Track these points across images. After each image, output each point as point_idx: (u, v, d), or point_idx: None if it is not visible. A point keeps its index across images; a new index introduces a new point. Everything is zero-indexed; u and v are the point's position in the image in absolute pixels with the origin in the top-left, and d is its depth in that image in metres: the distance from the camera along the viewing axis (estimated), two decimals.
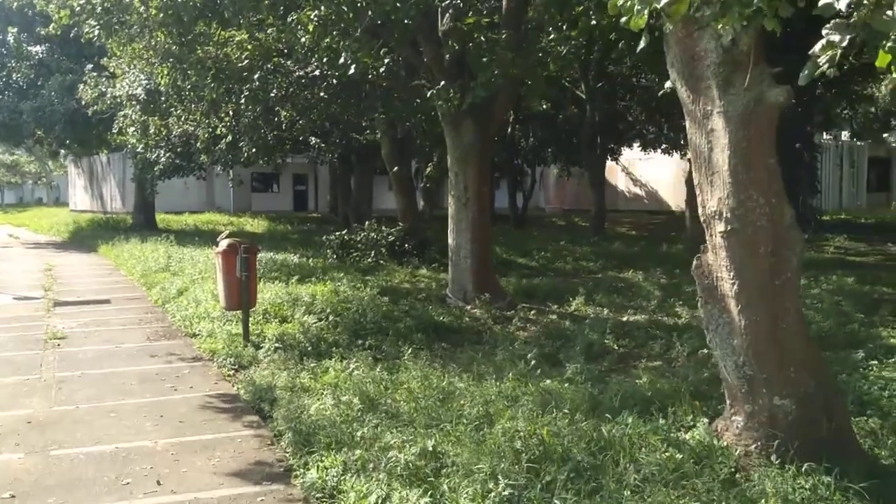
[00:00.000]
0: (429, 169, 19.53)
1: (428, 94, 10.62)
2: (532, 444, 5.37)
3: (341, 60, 10.08)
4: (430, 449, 5.37)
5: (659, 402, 6.57)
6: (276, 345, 9.47)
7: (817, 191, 30.17)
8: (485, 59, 10.25)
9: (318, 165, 44.05)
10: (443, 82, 10.59)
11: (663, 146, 37.67)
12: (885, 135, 40.92)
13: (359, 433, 5.90)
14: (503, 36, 10.74)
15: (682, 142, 37.63)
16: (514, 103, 16.96)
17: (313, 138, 27.46)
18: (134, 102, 16.53)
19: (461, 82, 10.89)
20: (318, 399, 7.04)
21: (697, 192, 5.55)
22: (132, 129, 17.18)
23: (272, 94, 14.41)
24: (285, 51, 13.86)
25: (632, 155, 40.31)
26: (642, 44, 4.63)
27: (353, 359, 8.95)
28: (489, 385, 7.38)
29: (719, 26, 4.80)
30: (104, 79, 19.14)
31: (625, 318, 11.88)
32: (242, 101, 13.23)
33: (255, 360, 9.15)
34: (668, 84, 6.86)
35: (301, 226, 33.71)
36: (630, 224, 34.89)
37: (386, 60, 10.83)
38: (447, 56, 11.47)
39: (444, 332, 10.81)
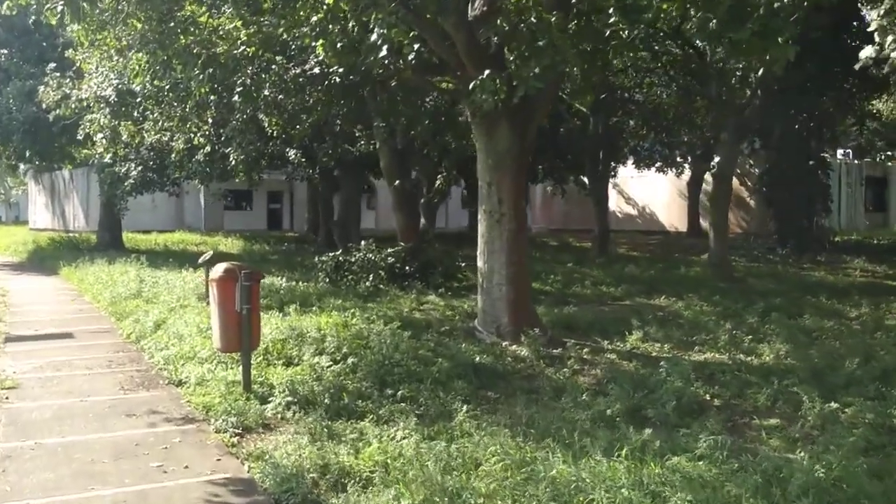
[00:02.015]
0: (438, 182, 17.57)
1: (471, 87, 8.65)
2: None
3: (373, 38, 8.08)
4: None
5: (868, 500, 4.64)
6: (288, 398, 7.42)
7: (830, 210, 28.73)
8: (541, 44, 8.32)
9: (293, 182, 41.97)
10: (487, 72, 8.64)
11: (657, 164, 36.25)
12: (881, 155, 39.85)
13: None
14: (553, 19, 8.83)
15: (678, 159, 36.27)
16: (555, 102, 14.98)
17: (293, 152, 25.48)
18: (103, 105, 14.37)
19: (508, 72, 8.95)
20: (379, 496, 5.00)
21: None
22: (100, 135, 14.98)
23: (266, 94, 12.36)
24: (277, 47, 11.89)
25: (623, 173, 38.86)
26: None
27: (391, 419, 6.99)
28: (599, 465, 5.40)
29: None
30: (68, 80, 16.95)
31: (695, 358, 10.00)
32: (235, 96, 11.13)
33: (262, 419, 7.08)
34: (864, 53, 5.01)
35: (279, 246, 31.55)
36: (627, 244, 33.08)
37: (416, 46, 8.86)
38: (495, 40, 9.53)
39: (487, 376, 8.81)
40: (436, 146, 16.58)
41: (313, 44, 10.68)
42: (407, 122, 15.11)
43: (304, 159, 27.60)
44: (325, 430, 6.53)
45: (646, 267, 22.08)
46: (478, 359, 9.24)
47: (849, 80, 25.79)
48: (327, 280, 16.93)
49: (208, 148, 18.62)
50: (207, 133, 17.33)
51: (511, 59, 9.17)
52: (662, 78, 26.08)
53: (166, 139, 17.26)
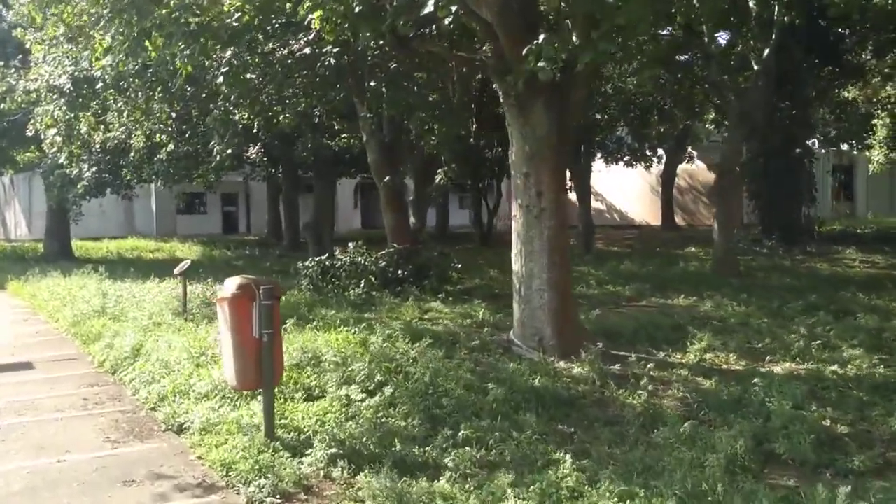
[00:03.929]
0: (439, 177, 16.01)
1: (524, 52, 7.13)
2: None
3: None
4: None
5: None
6: (331, 449, 5.82)
7: (816, 200, 27.92)
8: (611, 0, 6.84)
9: (249, 183, 39.98)
10: (542, 36, 7.14)
11: (626, 158, 35.19)
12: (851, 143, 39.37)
13: None
14: None
15: (647, 152, 35.22)
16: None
17: (253, 150, 23.65)
18: (56, 95, 12.49)
19: (564, 35, 7.46)
20: None
21: None
22: (53, 131, 13.07)
23: (252, 76, 10.71)
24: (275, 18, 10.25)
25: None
26: None
27: (468, 472, 5.47)
28: None
29: None
30: (13, 70, 14.96)
31: (775, 370, 8.66)
32: (220, 78, 9.43)
33: (301, 479, 5.48)
34: None
35: (240, 250, 29.62)
36: (603, 240, 31.93)
37: (453, 8, 7.32)
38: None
39: (551, 404, 7.32)
40: (435, 136, 14.96)
41: (310, 16, 9.07)
42: (402, 110, 13.48)
43: (265, 158, 25.85)
44: (397, 497, 4.96)
45: (640, 264, 20.84)
46: (535, 382, 7.75)
47: (825, 69, 25.01)
48: (311, 287, 15.29)
49: (171, 146, 16.83)
50: (170, 129, 15.58)
51: (567, 22, 7.65)
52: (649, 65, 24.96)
53: (124, 137, 15.43)
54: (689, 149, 36.57)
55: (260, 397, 6.75)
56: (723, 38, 25.32)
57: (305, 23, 9.80)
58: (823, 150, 39.97)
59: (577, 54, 7.13)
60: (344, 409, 6.88)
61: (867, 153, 36.22)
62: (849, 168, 42.45)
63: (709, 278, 17.23)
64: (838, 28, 23.97)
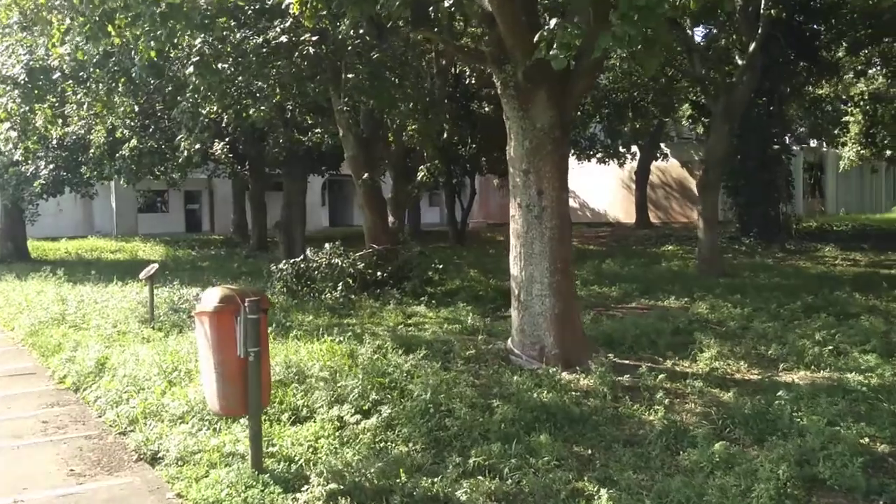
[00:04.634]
0: (420, 174, 15.30)
1: (535, 39, 6.48)
2: None
3: None
4: None
5: None
6: (331, 485, 5.12)
7: (793, 197, 27.74)
8: None
9: (212, 180, 38.87)
10: (553, 21, 6.50)
11: (599, 155, 34.78)
12: (812, 142, 39.39)
13: None
14: None
15: (620, 149, 34.80)
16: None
17: (218, 145, 22.77)
18: (10, 87, 11.58)
19: (578, 19, 6.82)
20: None
21: None
22: (7, 125, 12.15)
23: (225, 66, 9.94)
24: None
25: None
26: None
27: None
28: None
29: None
30: None
31: (794, 379, 8.12)
32: (190, 68, 8.66)
33: None
34: None
35: (205, 250, 28.69)
36: (578, 238, 31.46)
37: None
38: None
39: (563, 423, 6.68)
40: (416, 131, 14.23)
41: (289, 0, 8.35)
42: (385, 104, 12.73)
43: (230, 154, 24.97)
44: None
45: (621, 263, 20.42)
46: (544, 397, 7.11)
47: (799, 65, 24.81)
48: (285, 291, 14.55)
49: (134, 141, 15.95)
50: (134, 124, 14.73)
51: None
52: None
53: (84, 131, 14.54)
54: (663, 146, 36.31)
55: (243, 419, 6.08)
56: (699, 32, 25.07)
57: (283, 6, 9.07)
58: (797, 147, 40.01)
59: (593, 40, 6.47)
60: (337, 433, 6.20)
61: (838, 150, 36.22)
62: (819, 165, 42.54)
63: (695, 278, 16.82)
64: (813, 24, 23.79)
